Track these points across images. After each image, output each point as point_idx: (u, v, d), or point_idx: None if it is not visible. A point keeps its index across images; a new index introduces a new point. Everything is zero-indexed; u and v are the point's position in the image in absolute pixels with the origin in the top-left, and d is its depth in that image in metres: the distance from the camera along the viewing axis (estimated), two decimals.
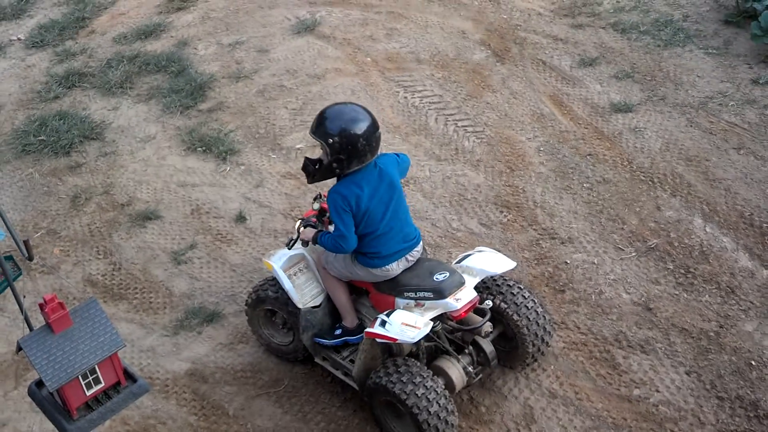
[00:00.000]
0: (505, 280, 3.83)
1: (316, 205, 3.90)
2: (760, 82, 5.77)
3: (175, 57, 6.80)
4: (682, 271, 4.37)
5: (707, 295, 4.21)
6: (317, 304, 3.89)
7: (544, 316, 3.77)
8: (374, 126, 3.49)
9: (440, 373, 3.61)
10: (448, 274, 3.56)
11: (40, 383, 2.85)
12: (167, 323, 4.43)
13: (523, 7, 7.10)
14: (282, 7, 7.45)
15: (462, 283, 3.54)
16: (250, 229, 5.02)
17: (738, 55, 6.12)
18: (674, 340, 3.98)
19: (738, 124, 5.42)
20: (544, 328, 3.76)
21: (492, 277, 3.79)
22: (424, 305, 3.54)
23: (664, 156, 5.23)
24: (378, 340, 3.47)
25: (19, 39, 7.40)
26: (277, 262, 3.87)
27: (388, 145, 5.60)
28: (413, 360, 3.55)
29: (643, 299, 4.23)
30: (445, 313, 3.53)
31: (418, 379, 3.42)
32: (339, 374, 3.86)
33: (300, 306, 3.82)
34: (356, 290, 3.94)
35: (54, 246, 5.05)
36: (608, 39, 6.53)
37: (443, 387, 3.49)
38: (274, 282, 3.94)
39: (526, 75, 6.25)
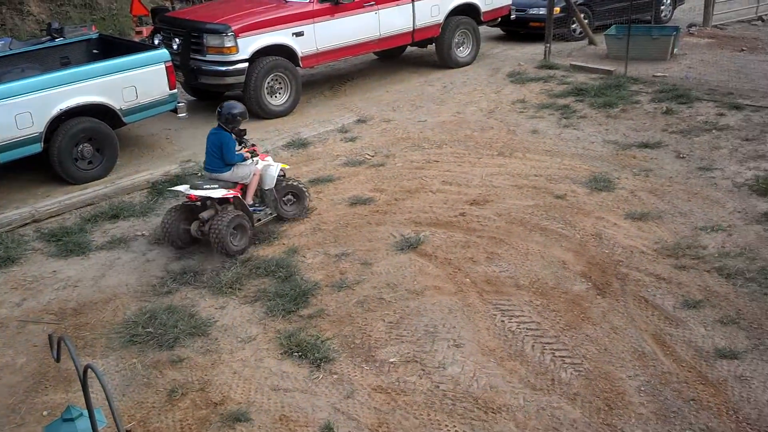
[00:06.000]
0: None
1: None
2: None
3: (284, 263, 7.12)
4: None
5: None
6: None
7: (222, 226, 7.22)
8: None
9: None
10: (199, 183, 7.49)
11: None
12: None
13: (626, 244, 7.18)
14: (389, 224, 7.80)
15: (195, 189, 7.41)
16: None
17: None
18: None
19: None
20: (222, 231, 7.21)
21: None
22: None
23: None
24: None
25: (143, 235, 7.96)
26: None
27: (482, 368, 5.56)
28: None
29: None
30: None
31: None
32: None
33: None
34: None
35: None
36: (713, 283, 6.47)
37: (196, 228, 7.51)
38: None
39: (628, 311, 6.19)
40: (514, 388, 5.37)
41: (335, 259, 7.21)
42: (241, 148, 7.72)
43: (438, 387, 5.43)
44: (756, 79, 11.93)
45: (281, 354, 5.90)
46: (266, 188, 7.88)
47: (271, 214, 7.93)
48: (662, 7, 16.90)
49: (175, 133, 10.79)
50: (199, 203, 7.48)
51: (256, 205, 7.87)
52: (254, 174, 7.75)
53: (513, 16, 14.69)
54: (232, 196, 7.48)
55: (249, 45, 10.87)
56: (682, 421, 4.95)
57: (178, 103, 9.95)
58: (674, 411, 5.04)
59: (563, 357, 5.67)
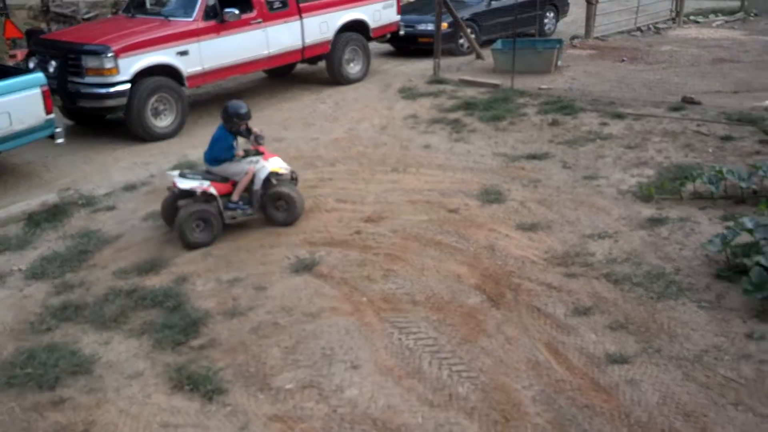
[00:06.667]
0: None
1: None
2: (755, 336, 5.75)
3: (173, 292, 6.85)
4: None
5: None
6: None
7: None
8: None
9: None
10: (188, 173, 8.00)
11: None
12: None
13: (518, 254, 7.27)
14: (283, 246, 7.65)
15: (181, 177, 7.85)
16: None
17: (731, 309, 6.16)
18: None
19: (734, 379, 5.32)
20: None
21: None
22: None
23: (662, 410, 5.08)
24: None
25: (20, 269, 7.51)
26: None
27: (381, 388, 5.48)
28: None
29: None
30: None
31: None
32: None
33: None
34: None
35: None
36: (601, 289, 6.61)
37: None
38: None
39: (521, 321, 6.24)
40: (413, 407, 5.31)
41: (227, 285, 6.99)
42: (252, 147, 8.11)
43: (336, 411, 5.31)
44: (637, 89, 12.43)
45: (171, 388, 5.65)
46: (254, 188, 7.99)
47: (250, 214, 8.05)
48: (546, 21, 17.47)
49: (52, 161, 10.30)
50: (177, 191, 7.88)
51: (240, 203, 7.96)
52: (247, 173, 7.93)
53: (402, 32, 14.84)
54: (201, 189, 7.75)
55: (130, 66, 10.53)
56: (576, 429, 5.00)
57: (56, 128, 9.50)
58: (569, 419, 5.09)
59: (460, 371, 5.66)
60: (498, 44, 14.24)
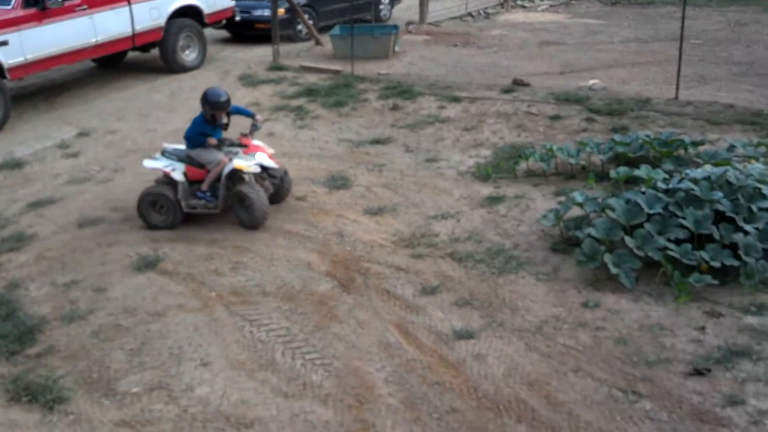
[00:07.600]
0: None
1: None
2: (589, 305, 6.11)
3: (4, 299, 6.42)
4: None
5: None
6: None
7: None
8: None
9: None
10: (171, 151, 7.72)
11: None
12: None
13: (366, 239, 7.35)
14: (123, 244, 7.33)
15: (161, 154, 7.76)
16: None
17: (567, 280, 6.51)
18: None
19: (573, 347, 5.64)
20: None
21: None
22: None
23: (508, 382, 5.30)
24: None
25: None
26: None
27: (233, 383, 5.38)
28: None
29: None
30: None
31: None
32: None
33: None
34: None
35: None
36: (447, 268, 6.81)
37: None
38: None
39: (372, 304, 6.32)
40: (266, 399, 5.25)
41: (64, 289, 6.62)
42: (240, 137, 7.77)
43: (186, 411, 5.16)
44: (470, 72, 12.85)
45: (7, 401, 5.29)
46: (220, 182, 7.63)
47: (212, 208, 7.67)
48: (381, 7, 17.70)
49: None
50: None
51: (208, 194, 7.64)
52: (219, 164, 7.54)
53: (238, 18, 14.56)
54: (162, 171, 7.59)
55: None
56: (428, 406, 5.12)
57: None
58: (420, 397, 5.20)
59: (313, 359, 5.65)
60: (336, 30, 14.29)
